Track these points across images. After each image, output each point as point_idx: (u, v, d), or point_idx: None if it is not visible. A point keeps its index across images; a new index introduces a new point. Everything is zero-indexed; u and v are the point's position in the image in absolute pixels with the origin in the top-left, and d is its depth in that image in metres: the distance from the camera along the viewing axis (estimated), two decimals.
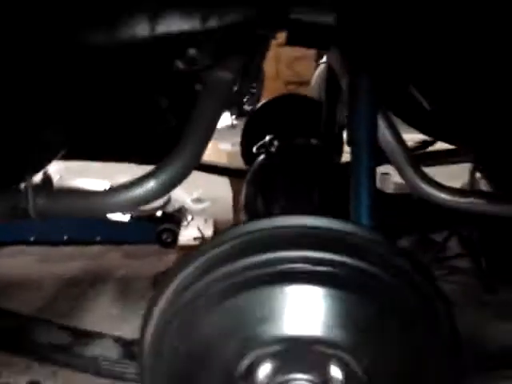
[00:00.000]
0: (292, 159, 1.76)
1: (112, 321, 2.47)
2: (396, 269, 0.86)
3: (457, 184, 2.43)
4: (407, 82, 1.30)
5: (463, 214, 1.53)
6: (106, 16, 0.98)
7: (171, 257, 3.02)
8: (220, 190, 3.26)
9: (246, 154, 2.49)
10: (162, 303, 0.89)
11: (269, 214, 1.62)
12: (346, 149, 2.26)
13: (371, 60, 1.13)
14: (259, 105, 2.50)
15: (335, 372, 0.80)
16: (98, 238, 3.11)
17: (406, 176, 1.47)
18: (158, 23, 0.98)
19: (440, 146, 2.14)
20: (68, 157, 1.51)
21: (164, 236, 3.09)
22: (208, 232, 3.14)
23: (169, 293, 0.88)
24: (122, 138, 1.47)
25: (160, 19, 0.98)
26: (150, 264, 2.98)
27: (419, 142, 2.24)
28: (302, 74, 6.29)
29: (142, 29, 0.98)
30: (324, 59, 3.26)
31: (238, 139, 2.79)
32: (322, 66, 3.78)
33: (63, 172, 3.33)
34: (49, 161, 1.30)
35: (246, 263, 0.83)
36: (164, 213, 3.17)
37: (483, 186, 2.24)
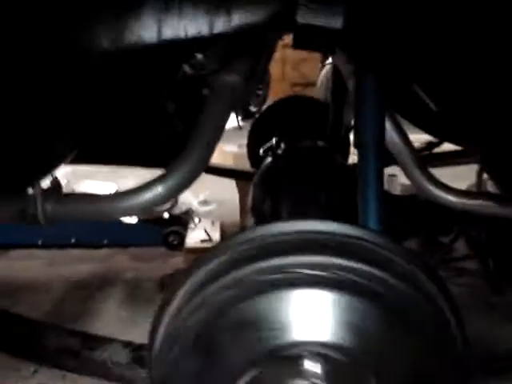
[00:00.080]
0: (299, 162, 1.76)
1: (120, 323, 2.48)
2: (408, 277, 0.86)
3: (463, 185, 2.44)
4: (413, 82, 1.30)
5: (470, 216, 1.52)
6: (112, 21, 0.98)
7: (178, 259, 3.03)
8: (226, 191, 3.27)
9: (253, 156, 2.49)
10: (171, 309, 0.89)
11: (276, 216, 1.62)
12: (353, 150, 2.28)
13: (378, 61, 1.12)
14: (265, 107, 2.50)
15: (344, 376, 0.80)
16: (106, 241, 3.12)
17: (412, 177, 1.47)
18: (165, 28, 0.98)
19: (446, 146, 2.14)
20: (76, 161, 1.51)
21: (171, 238, 3.09)
22: (215, 234, 3.15)
23: (178, 298, 0.88)
24: (130, 143, 1.48)
25: (167, 24, 0.98)
26: (157, 266, 2.99)
27: (426, 143, 2.24)
28: (308, 75, 6.30)
29: (149, 33, 0.99)
30: (329, 61, 3.26)
31: (244, 141, 2.79)
32: (327, 68, 3.79)
33: (70, 176, 3.35)
34: (57, 165, 1.30)
35: (257, 268, 0.83)
36: (171, 215, 3.17)
37: (490, 187, 2.23)
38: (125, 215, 1.12)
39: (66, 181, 2.97)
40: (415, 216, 1.95)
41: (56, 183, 1.15)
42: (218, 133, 1.13)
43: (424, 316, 0.86)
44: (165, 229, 3.09)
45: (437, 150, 2.32)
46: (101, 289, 2.79)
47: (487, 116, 1.22)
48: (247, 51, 1.16)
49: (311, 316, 0.82)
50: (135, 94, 1.21)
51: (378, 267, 0.84)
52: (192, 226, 3.20)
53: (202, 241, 3.07)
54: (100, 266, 3.03)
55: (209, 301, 0.84)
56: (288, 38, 1.15)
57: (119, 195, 1.10)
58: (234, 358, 0.83)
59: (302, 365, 0.80)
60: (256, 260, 0.84)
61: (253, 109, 4.11)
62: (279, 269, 0.83)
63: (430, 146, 2.24)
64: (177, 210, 3.22)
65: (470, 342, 0.90)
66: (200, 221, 3.28)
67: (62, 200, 1.12)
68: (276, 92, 4.05)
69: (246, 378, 0.82)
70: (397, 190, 2.85)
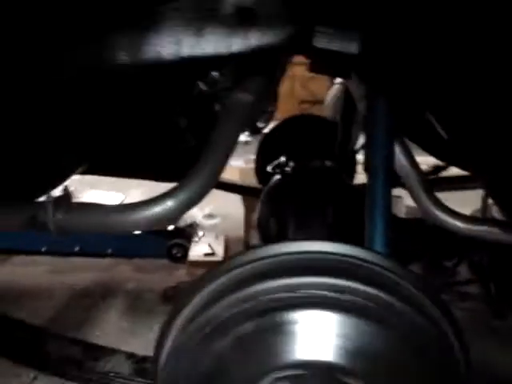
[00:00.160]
0: (307, 181, 1.77)
1: (121, 334, 2.49)
2: (414, 301, 0.87)
3: (469, 210, 2.44)
4: (426, 110, 1.31)
5: (474, 241, 1.53)
6: (132, 36, 1.00)
7: (181, 272, 3.03)
8: (231, 206, 3.28)
9: (260, 172, 2.50)
10: (177, 324, 0.90)
11: (282, 234, 1.63)
12: (360, 169, 2.29)
13: (390, 86, 1.14)
14: (274, 124, 2.51)
15: None
16: (110, 251, 3.12)
17: (419, 201, 1.48)
18: (183, 45, 1.00)
19: (453, 171, 2.14)
20: (86, 171, 1.53)
21: (174, 251, 3.10)
22: (218, 248, 3.16)
23: (185, 313, 0.89)
24: (141, 156, 1.49)
25: (186, 41, 1.00)
26: (159, 278, 2.99)
27: (433, 167, 2.25)
28: (316, 93, 6.31)
29: (167, 50, 1.00)
30: (338, 80, 3.27)
31: (251, 156, 2.80)
32: (335, 86, 3.80)
33: (77, 184, 3.36)
34: (68, 176, 1.32)
35: (264, 288, 0.83)
36: (175, 227, 3.18)
37: (495, 212, 2.24)
38: (135, 229, 1.12)
39: (72, 188, 2.98)
40: (420, 240, 1.96)
41: (67, 193, 1.16)
42: (228, 150, 1.14)
43: (428, 340, 0.86)
44: (169, 241, 3.09)
45: (444, 174, 2.33)
46: (103, 298, 2.80)
47: (494, 145, 1.23)
48: (261, 70, 1.17)
49: (315, 338, 0.82)
50: (149, 108, 1.23)
51: (384, 290, 0.85)
52: (196, 239, 3.21)
53: (206, 254, 3.08)
54: (103, 275, 3.04)
55: (213, 319, 0.85)
56: (298, 56, 1.17)
57: (129, 208, 1.11)
58: (238, 376, 0.83)
59: None
60: (261, 280, 0.85)
61: (260, 124, 4.10)
62: (284, 289, 0.84)
63: (436, 169, 2.25)
64: (181, 223, 3.23)
65: (472, 366, 0.91)
66: (204, 234, 3.29)
67: (73, 210, 1.13)
68: (284, 109, 4.05)
69: None
70: (402, 212, 2.85)
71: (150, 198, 1.11)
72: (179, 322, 0.89)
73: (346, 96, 2.09)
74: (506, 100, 1.08)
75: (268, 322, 0.82)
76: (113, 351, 1.48)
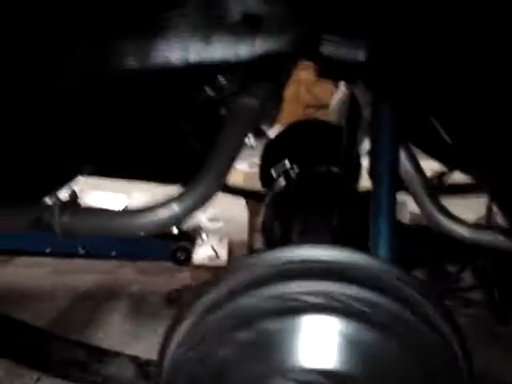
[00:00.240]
0: (312, 186, 1.77)
1: (123, 336, 2.49)
2: (418, 309, 0.87)
3: (473, 215, 2.44)
4: (430, 115, 1.31)
5: (478, 247, 1.53)
6: (141, 42, 1.01)
7: (185, 274, 3.03)
8: (235, 209, 3.28)
9: (265, 176, 2.50)
10: (180, 331, 0.90)
11: (286, 239, 1.62)
12: (364, 174, 2.28)
13: (396, 93, 1.14)
14: (280, 129, 2.50)
15: None
16: (114, 253, 3.12)
17: (423, 207, 1.48)
18: (191, 51, 1.01)
19: (458, 177, 2.14)
20: (92, 173, 1.53)
21: (178, 254, 3.09)
22: (222, 251, 3.15)
23: (191, 315, 0.89)
24: (146, 159, 1.50)
25: (193, 48, 1.00)
26: (163, 281, 3.00)
27: (437, 173, 2.25)
28: (321, 97, 6.30)
29: (175, 56, 1.01)
30: (343, 84, 3.27)
31: (255, 160, 2.79)
32: (340, 90, 3.79)
33: (80, 185, 3.36)
34: (74, 177, 1.32)
35: (269, 293, 0.84)
36: (179, 230, 3.17)
37: (499, 218, 2.23)
38: (140, 233, 1.13)
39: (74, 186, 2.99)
40: (424, 246, 1.96)
41: (73, 196, 1.17)
42: (234, 154, 1.15)
43: (432, 348, 0.86)
44: (173, 244, 3.09)
45: (448, 180, 2.33)
46: (106, 300, 2.80)
47: (498, 151, 1.23)
48: (267, 76, 1.18)
49: (319, 344, 0.82)
50: (156, 112, 1.23)
51: (388, 298, 0.85)
52: (200, 242, 3.21)
53: (210, 258, 3.08)
54: (106, 277, 3.05)
55: (212, 327, 0.85)
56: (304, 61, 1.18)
57: (135, 212, 1.12)
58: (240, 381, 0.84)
59: None
60: (264, 286, 0.85)
61: (264, 128, 4.09)
62: (287, 295, 0.84)
63: (440, 175, 2.25)
64: (185, 226, 3.23)
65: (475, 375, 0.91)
66: (208, 237, 3.29)
67: (79, 212, 1.14)
68: (289, 113, 4.05)
69: None
70: (406, 218, 2.84)
71: (156, 202, 1.11)
72: (181, 330, 0.90)
73: (351, 101, 2.08)
74: (510, 106, 1.08)
75: (271, 328, 0.82)
76: (116, 354, 1.48)
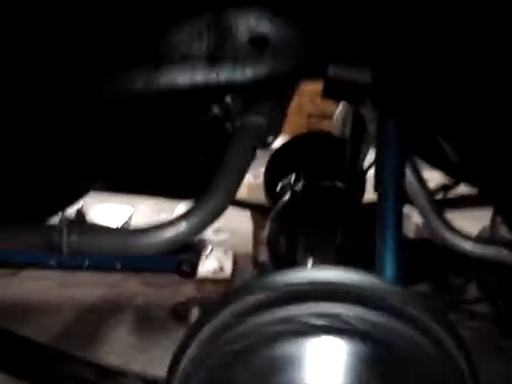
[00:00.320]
0: (317, 201, 1.78)
1: (128, 350, 2.49)
2: (423, 327, 0.87)
3: (477, 227, 2.44)
4: (435, 132, 1.32)
5: (483, 260, 1.53)
6: (148, 66, 1.02)
7: (190, 287, 3.04)
8: (239, 221, 3.29)
9: (269, 189, 2.51)
10: (190, 352, 0.90)
11: (291, 254, 1.63)
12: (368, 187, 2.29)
13: (402, 111, 1.15)
14: (284, 141, 2.51)
15: None
16: (119, 266, 3.13)
17: (427, 222, 1.49)
18: (197, 72, 1.01)
19: (462, 189, 2.15)
20: (99, 189, 1.55)
21: (183, 266, 3.10)
22: (227, 264, 3.16)
23: (198, 340, 0.89)
24: (153, 175, 1.50)
25: (200, 69, 1.01)
26: (168, 293, 3.00)
27: (441, 185, 2.25)
28: (324, 108, 6.30)
29: (182, 77, 1.02)
30: None
31: (260, 171, 2.80)
32: (343, 101, 3.79)
33: (86, 198, 3.37)
34: (82, 195, 1.33)
35: (279, 315, 0.84)
36: (184, 243, 3.18)
37: (504, 230, 2.24)
38: (148, 252, 1.13)
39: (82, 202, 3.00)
40: (430, 259, 1.96)
41: (81, 215, 1.17)
42: (241, 173, 1.15)
43: (438, 366, 0.87)
44: (178, 256, 3.10)
45: (452, 192, 2.33)
46: (111, 313, 2.80)
47: (503, 165, 1.24)
48: (273, 94, 1.19)
49: (325, 365, 0.83)
50: (163, 131, 1.24)
51: (393, 317, 0.85)
52: (205, 254, 3.22)
53: (214, 270, 3.08)
54: (111, 290, 3.05)
55: (224, 348, 0.85)
56: None
57: (143, 231, 1.12)
58: None
59: None
60: (272, 308, 0.86)
61: (268, 139, 4.09)
62: (294, 318, 0.84)
63: (445, 188, 2.25)
64: None
65: None
66: (213, 250, 3.30)
67: (86, 232, 1.14)
68: (292, 123, 4.04)
69: None
70: (411, 230, 2.85)
71: (164, 220, 1.12)
72: (191, 350, 0.90)
73: (355, 114, 2.09)
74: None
75: (280, 350, 0.82)
76: (123, 373, 1.48)
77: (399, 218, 1.18)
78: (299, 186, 1.87)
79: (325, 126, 5.09)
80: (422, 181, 1.48)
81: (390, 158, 1.21)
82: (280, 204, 1.86)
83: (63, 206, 1.30)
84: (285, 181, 2.00)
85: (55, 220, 1.21)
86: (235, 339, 0.85)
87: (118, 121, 1.14)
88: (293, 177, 1.94)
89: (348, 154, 2.14)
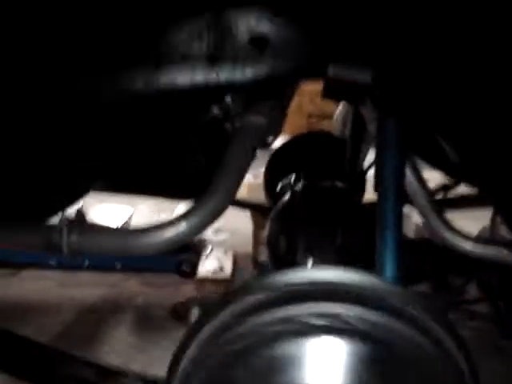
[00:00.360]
0: (317, 201, 1.78)
1: (128, 349, 2.49)
2: (422, 326, 0.87)
3: (477, 226, 2.44)
4: (435, 133, 1.32)
5: (483, 260, 1.53)
6: (148, 65, 1.02)
7: (190, 287, 3.03)
8: (239, 221, 3.28)
9: (269, 189, 2.51)
10: (190, 352, 0.90)
11: (291, 253, 1.63)
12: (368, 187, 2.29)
13: (402, 111, 1.15)
14: (284, 141, 2.51)
15: None
16: (119, 266, 3.13)
17: (427, 222, 1.49)
18: (197, 73, 1.02)
19: (462, 189, 2.15)
20: (99, 189, 1.55)
21: (183, 266, 3.10)
22: (227, 264, 3.16)
23: (198, 340, 0.89)
24: (152, 175, 1.50)
25: (200, 69, 1.01)
26: (168, 293, 3.00)
27: (441, 185, 2.25)
28: (324, 107, 6.29)
29: (182, 77, 1.02)
30: None
31: (260, 170, 2.80)
32: (343, 101, 3.79)
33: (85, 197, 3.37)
34: (82, 195, 1.33)
35: (279, 315, 0.84)
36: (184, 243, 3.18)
37: (504, 230, 2.24)
38: (148, 252, 1.13)
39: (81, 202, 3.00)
40: (430, 259, 1.96)
41: (81, 215, 1.17)
42: (241, 173, 1.15)
43: (438, 366, 0.87)
44: (178, 256, 3.10)
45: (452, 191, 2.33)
46: (111, 313, 2.80)
47: (503, 165, 1.24)
48: (273, 94, 1.19)
49: (325, 365, 0.83)
50: (164, 131, 1.24)
51: (393, 317, 0.85)
52: (204, 254, 3.22)
53: (214, 270, 3.08)
54: (111, 290, 3.05)
55: (224, 348, 0.85)
56: None
57: (143, 231, 1.12)
58: None
59: None
60: (272, 308, 0.86)
61: (268, 139, 4.09)
62: (294, 318, 0.84)
63: (444, 188, 2.25)
64: None
65: None
66: (213, 249, 3.30)
67: (86, 232, 1.14)
68: (291, 123, 4.03)
69: None
70: (411, 230, 2.85)
71: (164, 220, 1.12)
72: (190, 350, 0.90)
73: (354, 114, 2.09)
74: None
75: (275, 351, 0.82)
76: (123, 373, 1.48)
77: (399, 218, 1.18)
78: (299, 185, 1.87)
79: (325, 125, 5.09)
80: (422, 181, 1.48)
81: (390, 158, 1.21)
82: (280, 204, 1.86)
83: (63, 206, 1.30)
84: (285, 181, 2.00)
85: (55, 220, 1.22)
86: (235, 339, 0.85)
87: (118, 121, 1.14)
88: (293, 177, 1.94)
89: (348, 154, 2.14)
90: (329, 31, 1.00)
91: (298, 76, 1.10)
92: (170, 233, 1.10)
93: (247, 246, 3.33)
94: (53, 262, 3.09)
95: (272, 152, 2.49)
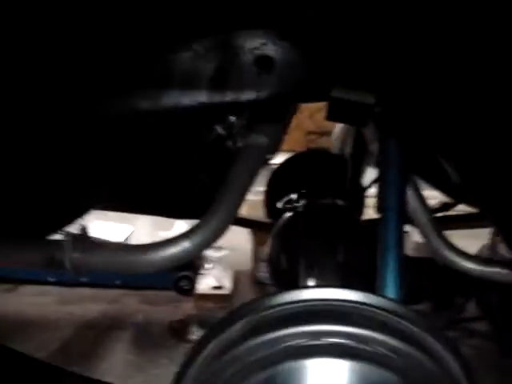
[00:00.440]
0: (318, 220, 1.79)
1: (126, 367, 2.48)
2: (424, 346, 0.87)
3: (477, 245, 2.45)
4: (436, 154, 1.33)
5: (483, 279, 1.53)
6: (153, 86, 1.03)
7: (188, 304, 3.03)
8: (239, 238, 3.28)
9: (270, 207, 2.51)
10: (192, 371, 0.90)
11: (292, 271, 1.63)
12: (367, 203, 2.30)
13: (404, 133, 1.16)
14: (284, 159, 2.51)
15: None
16: (117, 282, 3.13)
17: (428, 241, 1.49)
18: (201, 94, 1.03)
19: (462, 208, 2.15)
20: (101, 208, 1.55)
21: (182, 283, 3.09)
22: (226, 281, 3.15)
23: (201, 360, 0.89)
24: (154, 194, 1.51)
25: (204, 89, 1.03)
26: (166, 311, 2.99)
27: (441, 204, 2.26)
28: (323, 124, 6.30)
29: (186, 97, 1.03)
30: None
31: (259, 188, 2.79)
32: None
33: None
34: (85, 212, 1.34)
35: (275, 336, 0.84)
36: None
37: (503, 248, 2.24)
38: (150, 269, 1.13)
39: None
40: (429, 278, 1.96)
41: (84, 231, 1.17)
42: (244, 192, 1.16)
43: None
44: (176, 273, 3.09)
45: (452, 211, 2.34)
46: (110, 330, 2.79)
47: (503, 186, 1.25)
48: (276, 114, 1.20)
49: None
50: (168, 151, 1.25)
51: (395, 337, 0.85)
52: (204, 271, 3.21)
53: (214, 288, 3.08)
54: (110, 307, 3.04)
55: (224, 368, 0.86)
56: None
57: (146, 249, 1.13)
58: None
59: None
60: (274, 330, 0.86)
61: (268, 157, 4.09)
62: (297, 338, 0.84)
63: (445, 207, 2.25)
64: None
65: None
66: (212, 267, 3.29)
67: (89, 249, 1.14)
68: (291, 140, 4.03)
69: None
70: (410, 248, 2.84)
71: (167, 238, 1.13)
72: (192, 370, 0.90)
73: (356, 134, 2.11)
74: None
75: (282, 370, 0.82)
76: None
77: (401, 239, 1.18)
78: (300, 203, 1.88)
79: (323, 143, 5.10)
80: (422, 199, 1.49)
81: (392, 179, 1.22)
82: (281, 221, 1.87)
83: (64, 224, 1.31)
84: (286, 198, 2.00)
85: (54, 237, 1.22)
86: (237, 360, 0.85)
87: (123, 140, 1.15)
88: (294, 194, 1.94)
89: (349, 173, 2.15)
90: (333, 55, 1.01)
91: (302, 98, 1.12)
92: (173, 250, 1.11)
93: (246, 263, 3.33)
94: (52, 279, 3.08)
95: (273, 170, 2.50)
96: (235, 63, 1.02)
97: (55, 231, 1.30)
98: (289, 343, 0.84)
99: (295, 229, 1.79)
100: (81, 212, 1.34)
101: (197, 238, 1.11)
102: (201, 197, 1.30)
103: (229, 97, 1.03)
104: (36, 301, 3.06)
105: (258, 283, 3.22)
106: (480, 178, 1.28)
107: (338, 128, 3.66)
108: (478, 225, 2.42)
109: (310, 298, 0.90)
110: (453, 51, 0.99)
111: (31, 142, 1.11)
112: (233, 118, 1.13)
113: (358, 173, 2.21)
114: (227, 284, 3.15)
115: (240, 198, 1.16)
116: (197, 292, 3.05)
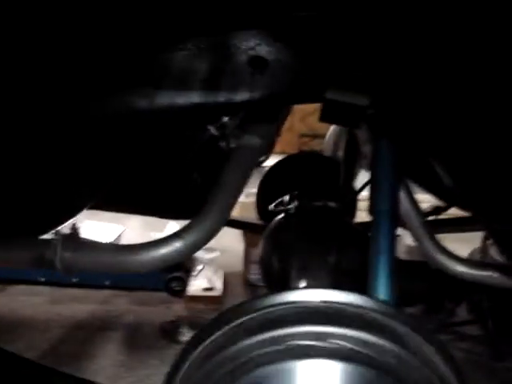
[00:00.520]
0: (310, 222, 1.78)
1: (116, 368, 2.47)
2: (416, 350, 0.87)
3: (468, 248, 2.45)
4: (429, 156, 1.33)
5: (474, 283, 1.54)
6: (147, 86, 1.02)
7: (179, 306, 3.02)
8: (230, 240, 3.28)
9: (262, 209, 2.51)
10: (182, 372, 0.89)
11: (284, 273, 1.63)
12: (359, 206, 2.30)
13: (397, 135, 1.16)
14: (277, 161, 2.52)
15: None
16: (108, 283, 3.12)
17: (420, 244, 1.49)
18: (195, 94, 1.02)
19: (454, 211, 2.16)
20: (91, 207, 1.54)
21: (173, 284, 3.08)
22: (217, 283, 3.15)
23: (191, 361, 0.89)
24: (147, 193, 1.51)
25: (198, 90, 1.02)
26: (157, 312, 2.98)
27: (433, 208, 2.26)
28: (316, 127, 6.33)
29: (180, 97, 1.03)
30: None
31: (252, 190, 2.80)
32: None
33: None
34: (77, 213, 1.33)
35: (265, 339, 0.84)
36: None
37: (494, 251, 2.25)
38: (142, 269, 1.13)
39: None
40: (421, 281, 1.96)
41: (75, 231, 1.17)
42: (237, 193, 1.16)
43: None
44: (167, 274, 3.08)
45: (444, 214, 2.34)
46: (100, 331, 2.78)
47: (496, 189, 1.25)
48: (269, 115, 1.19)
49: None
50: (162, 151, 1.25)
51: (388, 339, 0.85)
52: (195, 272, 3.21)
53: (205, 289, 3.07)
54: (100, 307, 3.02)
55: (214, 370, 0.85)
56: None
57: (137, 249, 1.12)
58: None
59: None
60: (264, 331, 0.86)
61: (261, 158, 4.10)
62: (287, 339, 0.84)
63: (437, 210, 2.26)
64: None
65: None
66: (203, 268, 3.29)
67: (80, 249, 1.14)
68: (283, 143, 4.06)
69: None
70: (402, 251, 2.85)
71: (158, 239, 1.12)
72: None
73: (348, 135, 2.11)
74: (505, 146, 1.10)
75: (272, 372, 0.82)
76: None
77: (393, 242, 1.18)
78: (292, 205, 1.87)
79: (315, 145, 5.11)
80: (414, 203, 1.49)
81: (384, 181, 1.22)
82: (273, 223, 1.86)
83: (56, 224, 1.30)
84: (278, 200, 2.00)
85: (44, 236, 1.21)
86: (227, 361, 0.84)
87: (117, 140, 1.14)
88: (286, 196, 1.94)
89: (341, 175, 2.15)
90: (326, 56, 1.01)
91: (295, 99, 1.12)
92: (165, 251, 1.10)
93: (238, 264, 3.33)
94: (42, 279, 3.07)
95: (265, 171, 2.50)
96: (229, 64, 1.01)
97: (47, 231, 1.29)
98: (280, 344, 0.83)
99: (287, 231, 1.78)
100: (74, 211, 1.33)
101: (189, 238, 1.10)
102: (193, 197, 1.30)
103: (222, 97, 1.03)
104: (26, 301, 3.04)
105: (249, 285, 3.23)
106: (472, 182, 1.28)
107: (331, 131, 3.66)
108: (470, 228, 2.43)
109: (300, 299, 0.89)
110: (446, 55, 0.99)
111: (26, 140, 1.10)
112: (226, 119, 1.13)
113: (351, 175, 2.21)
114: (218, 285, 3.14)
115: (233, 199, 1.16)
116: (188, 293, 3.05)
